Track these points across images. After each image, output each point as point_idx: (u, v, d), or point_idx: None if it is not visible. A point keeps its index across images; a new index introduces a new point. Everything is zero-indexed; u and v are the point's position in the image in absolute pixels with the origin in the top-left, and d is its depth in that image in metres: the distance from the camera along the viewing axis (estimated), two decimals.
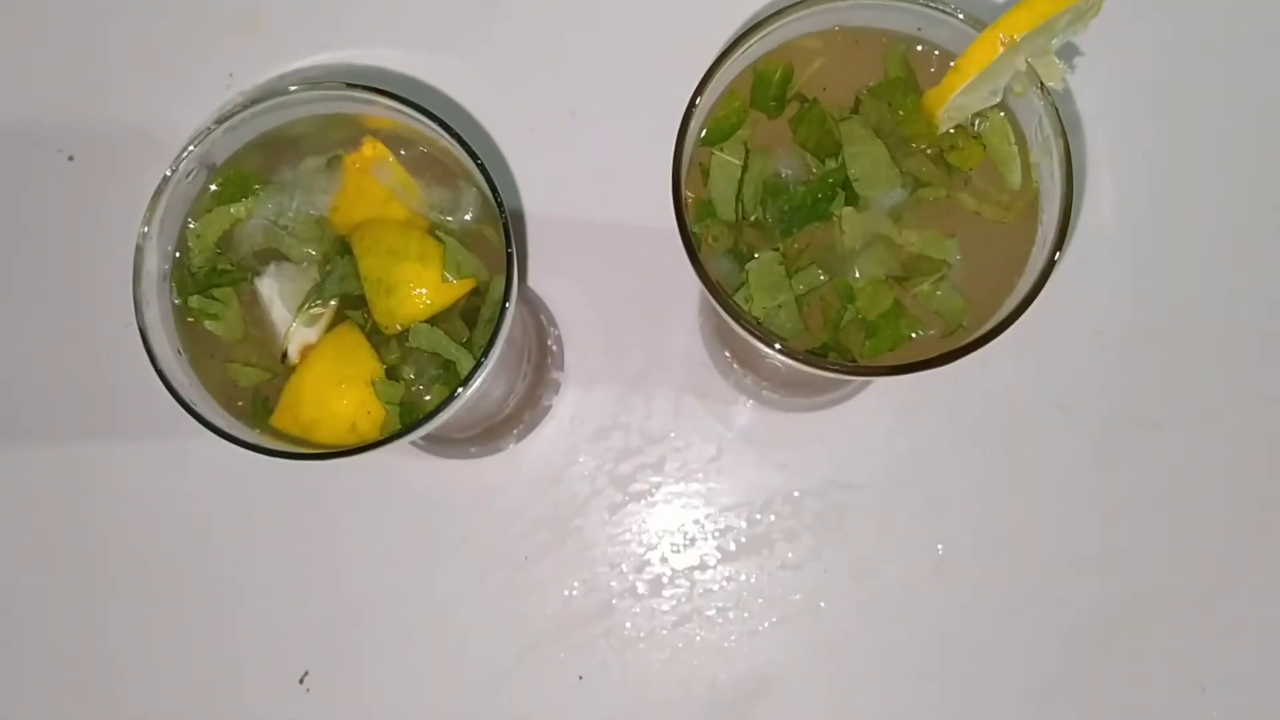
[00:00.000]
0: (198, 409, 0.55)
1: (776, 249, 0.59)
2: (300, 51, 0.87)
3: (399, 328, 0.60)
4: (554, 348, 0.84)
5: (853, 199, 0.58)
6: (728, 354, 0.84)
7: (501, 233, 0.57)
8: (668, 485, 0.84)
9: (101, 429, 0.83)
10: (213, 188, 0.61)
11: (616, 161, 0.85)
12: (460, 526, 0.83)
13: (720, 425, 0.85)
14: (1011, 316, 0.53)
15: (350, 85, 0.58)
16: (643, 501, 0.84)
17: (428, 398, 0.59)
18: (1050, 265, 0.54)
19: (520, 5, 0.88)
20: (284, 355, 0.60)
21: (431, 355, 0.59)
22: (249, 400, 0.59)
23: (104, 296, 0.82)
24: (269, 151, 0.62)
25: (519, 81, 0.86)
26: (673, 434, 0.84)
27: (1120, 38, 0.83)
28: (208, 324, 0.60)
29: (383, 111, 0.59)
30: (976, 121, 0.59)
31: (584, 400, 0.85)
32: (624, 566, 0.83)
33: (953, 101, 0.55)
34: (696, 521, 0.83)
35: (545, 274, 0.86)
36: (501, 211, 0.57)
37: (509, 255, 0.57)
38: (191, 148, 0.58)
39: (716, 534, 0.83)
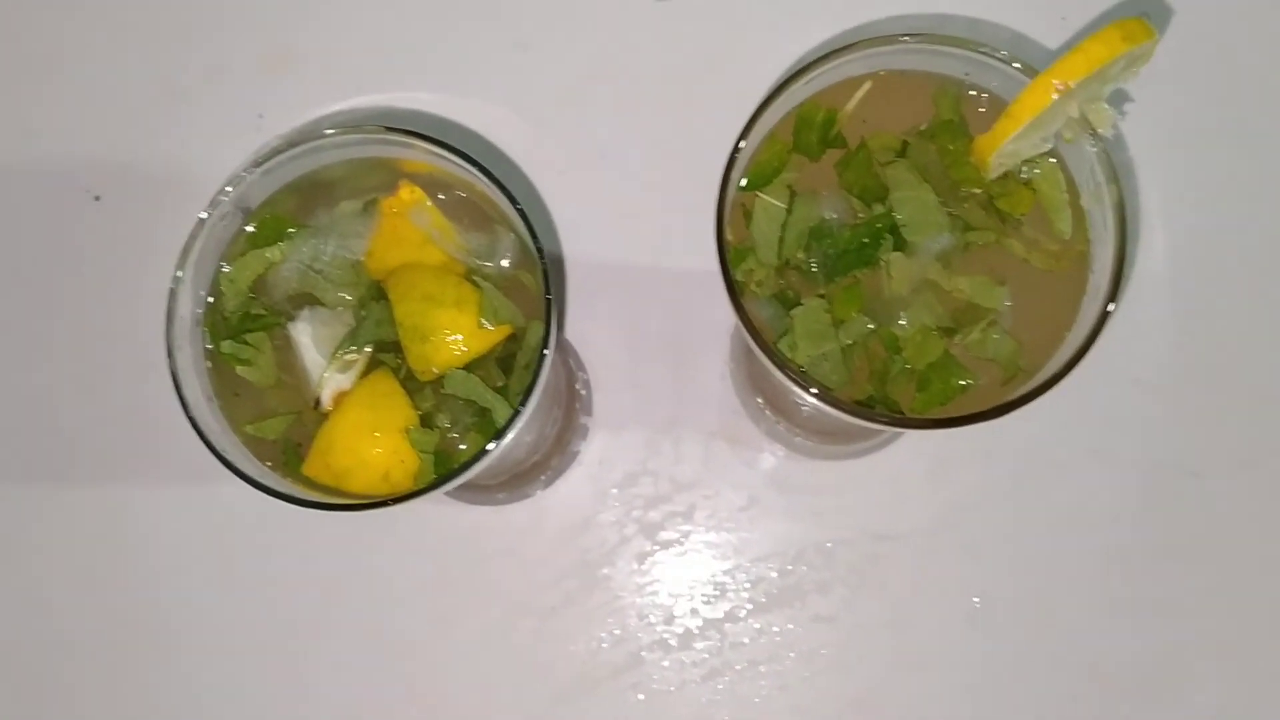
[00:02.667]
0: (229, 457, 0.53)
1: (821, 295, 0.57)
2: (332, 91, 0.86)
3: (434, 374, 0.59)
4: (582, 392, 0.83)
5: (900, 244, 0.57)
6: (760, 399, 0.82)
7: (540, 278, 0.56)
8: (697, 534, 0.82)
9: (131, 471, 0.82)
10: (248, 230, 0.60)
11: (646, 203, 0.84)
12: (487, 574, 0.82)
13: (751, 472, 0.83)
14: (1066, 368, 0.52)
15: (388, 129, 0.57)
16: (672, 550, 0.82)
17: (462, 446, 0.58)
18: (1104, 316, 0.52)
19: (552, 46, 0.88)
20: (317, 402, 0.58)
21: (467, 403, 0.58)
22: (280, 448, 0.58)
23: (132, 338, 0.81)
24: (304, 195, 0.61)
25: (549, 123, 0.86)
26: (703, 481, 0.83)
27: (1170, 83, 0.82)
28: (240, 370, 0.58)
29: (420, 155, 0.59)
30: (1025, 167, 0.58)
31: (612, 446, 0.83)
32: (653, 617, 0.81)
33: (1005, 147, 0.54)
34: (727, 572, 0.81)
35: (573, 317, 0.84)
36: (541, 257, 0.56)
37: (548, 302, 0.55)
38: (227, 190, 0.57)
39: (748, 585, 0.81)
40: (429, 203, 0.60)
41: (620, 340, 0.84)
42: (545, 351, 0.56)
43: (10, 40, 0.89)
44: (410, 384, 0.59)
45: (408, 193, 0.60)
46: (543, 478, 0.81)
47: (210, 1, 0.89)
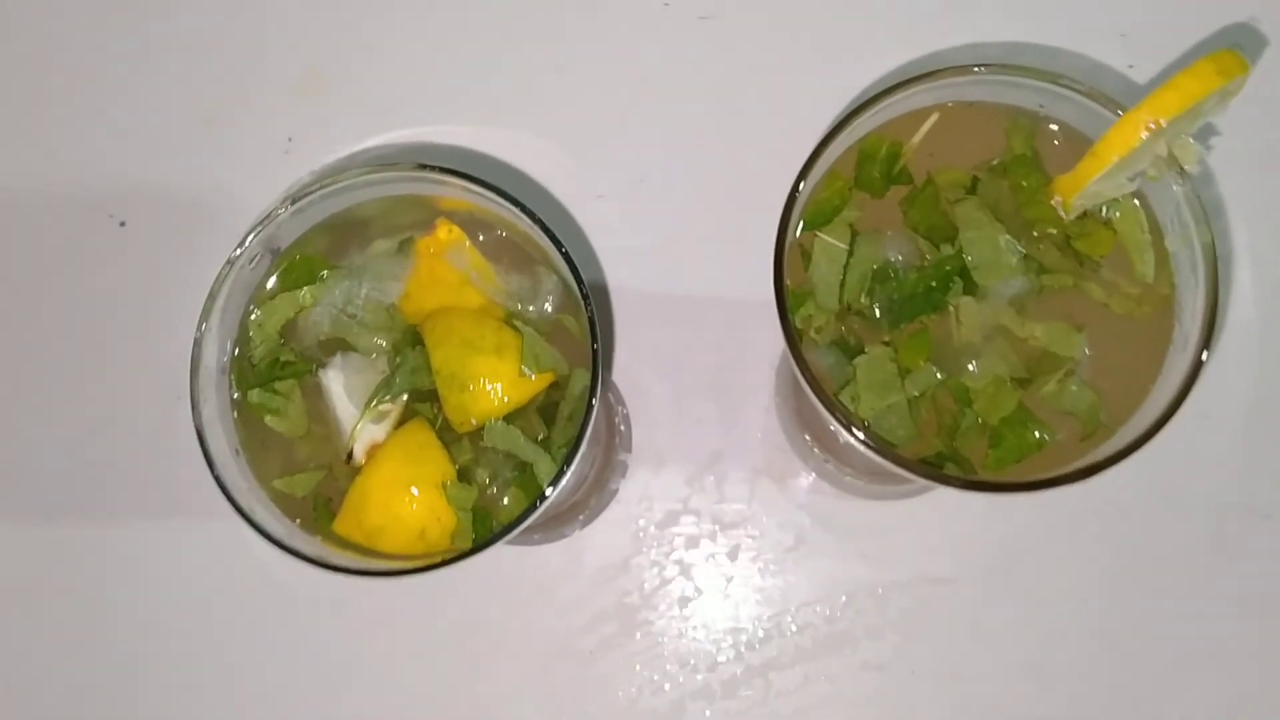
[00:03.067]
0: (255, 518, 0.50)
1: (885, 343, 0.54)
2: (362, 114, 0.83)
3: (472, 425, 0.55)
4: (621, 427, 0.79)
5: (970, 287, 0.54)
6: (807, 436, 0.79)
7: (585, 323, 0.53)
8: (741, 576, 0.79)
9: (150, 509, 0.80)
10: (277, 273, 0.57)
11: (688, 231, 0.81)
12: (522, 616, 0.78)
13: (798, 512, 0.79)
14: (1155, 425, 0.48)
15: (422, 166, 0.53)
16: (715, 593, 0.79)
17: (504, 501, 0.55)
18: (1197, 367, 0.48)
19: (593, 68, 0.85)
20: (349, 455, 0.55)
21: (507, 456, 0.55)
22: (310, 503, 0.55)
23: (156, 369, 0.79)
24: (336, 234, 0.58)
25: (591, 146, 0.83)
26: (747, 521, 0.79)
27: (1258, 112, 0.78)
28: (269, 419, 0.55)
29: (457, 193, 0.55)
30: (1105, 206, 0.54)
31: (652, 483, 0.80)
32: (695, 663, 0.77)
33: (1089, 188, 0.50)
34: (772, 616, 0.78)
35: (612, 349, 0.81)
36: (587, 305, 0.52)
37: (594, 352, 0.52)
38: (256, 231, 0.54)
39: (794, 630, 0.78)
40: (468, 243, 0.57)
41: (661, 373, 0.81)
42: (592, 401, 0.52)
43: (36, 61, 0.87)
44: (447, 435, 0.56)
45: (445, 232, 0.56)
46: (580, 518, 0.78)
47: (238, 24, 0.86)
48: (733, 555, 0.79)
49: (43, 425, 0.81)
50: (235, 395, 0.56)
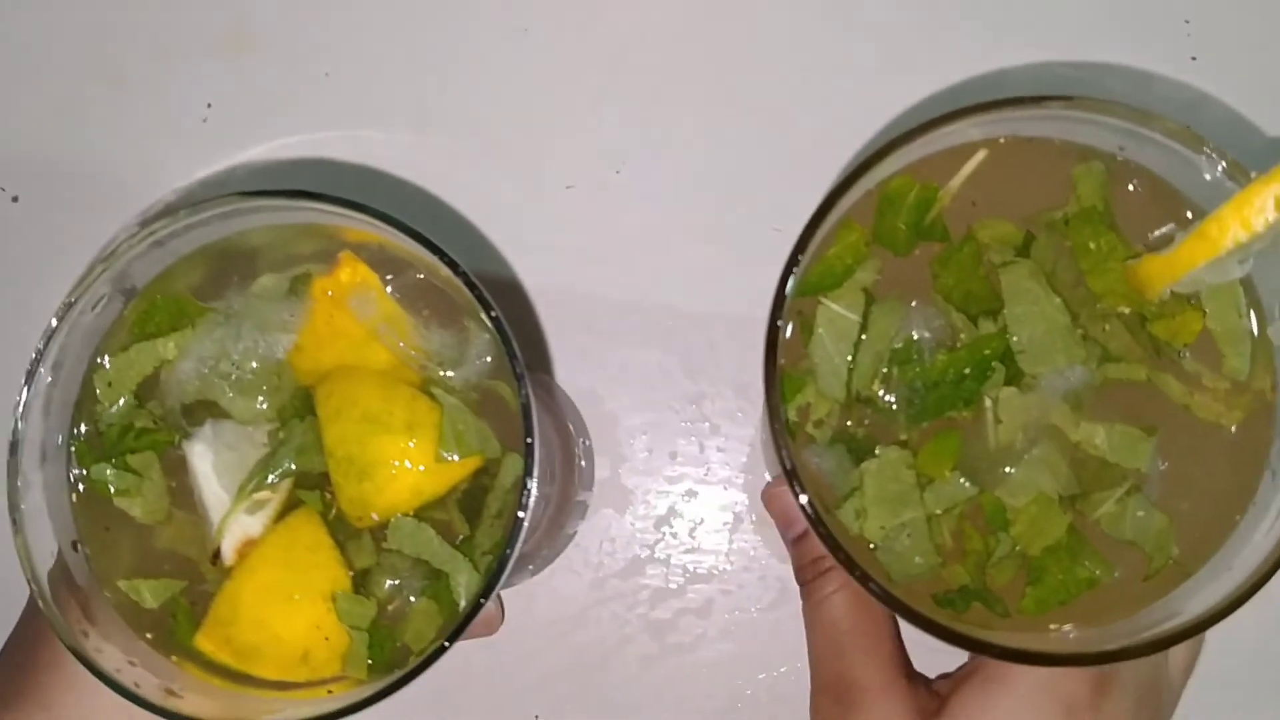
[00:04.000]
0: (93, 659, 0.39)
1: (902, 443, 0.42)
2: (293, 80, 0.71)
3: (374, 520, 0.44)
4: (582, 462, 0.69)
5: (1014, 376, 0.42)
6: None
7: (519, 405, 0.41)
8: (714, 636, 0.70)
9: None
10: (132, 315, 0.45)
11: (671, 236, 0.70)
12: (459, 674, 0.69)
13: (783, 564, 0.70)
14: (1257, 579, 0.37)
15: (305, 194, 0.41)
16: (684, 655, 0.69)
17: (411, 618, 0.44)
18: None
19: (559, 37, 0.72)
20: (216, 554, 0.44)
21: (417, 562, 0.44)
22: (168, 610, 0.44)
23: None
24: (212, 266, 0.45)
25: (555, 134, 0.71)
26: (723, 573, 0.70)
27: None
28: (119, 501, 0.44)
29: (364, 226, 0.43)
30: None
31: (616, 526, 0.71)
32: None
33: (1189, 276, 0.38)
34: (748, 682, 0.69)
35: (574, 368, 0.71)
36: (522, 384, 0.40)
37: (528, 446, 0.40)
38: (102, 267, 0.42)
39: (771, 701, 0.69)
40: (377, 285, 0.45)
41: (632, 400, 0.71)
42: (522, 505, 0.41)
43: None
44: (342, 532, 0.45)
45: (349, 271, 0.44)
46: (530, 567, 0.67)
47: None
48: (704, 612, 0.70)
49: None
50: (76, 472, 0.44)
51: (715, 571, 0.70)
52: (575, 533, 0.70)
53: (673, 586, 0.70)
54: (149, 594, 0.43)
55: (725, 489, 0.71)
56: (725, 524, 0.71)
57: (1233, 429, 0.42)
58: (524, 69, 0.72)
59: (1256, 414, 0.42)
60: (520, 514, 0.41)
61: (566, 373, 0.71)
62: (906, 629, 0.49)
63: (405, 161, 0.71)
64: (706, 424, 0.71)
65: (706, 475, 0.71)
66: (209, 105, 0.72)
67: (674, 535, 0.70)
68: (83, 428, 0.45)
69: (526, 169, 0.71)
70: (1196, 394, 0.42)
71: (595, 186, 0.71)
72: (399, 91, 0.72)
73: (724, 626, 0.70)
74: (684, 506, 0.71)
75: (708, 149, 0.71)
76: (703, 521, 0.71)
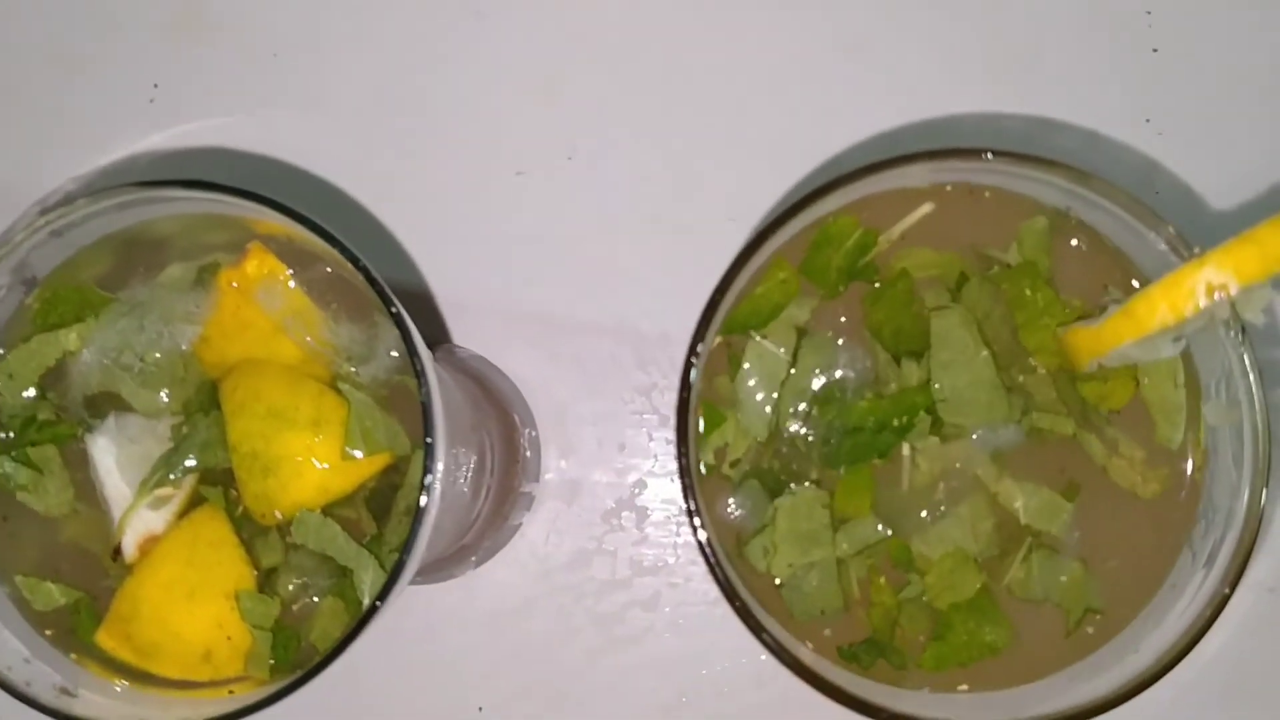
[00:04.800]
0: None
1: (815, 482, 0.41)
2: (242, 62, 0.70)
3: (279, 517, 0.43)
4: (528, 453, 0.68)
5: (937, 426, 0.41)
6: None
7: (422, 401, 0.40)
8: (661, 629, 0.69)
9: None
10: (35, 305, 0.44)
11: (621, 225, 0.69)
12: (399, 667, 0.68)
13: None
14: (1167, 661, 0.35)
15: (204, 185, 0.40)
16: (630, 648, 0.68)
17: (316, 617, 0.43)
18: (1224, 599, 0.35)
19: (515, 18, 0.71)
20: (117, 550, 0.43)
21: (323, 559, 0.43)
22: (68, 609, 0.43)
23: None
24: (117, 255, 0.45)
25: (507, 119, 0.70)
26: (670, 565, 0.69)
27: None
28: (21, 496, 0.43)
29: (265, 216, 0.42)
30: None
31: (563, 518, 0.70)
32: None
33: (1116, 352, 0.37)
34: (692, 678, 0.68)
35: (521, 358, 0.70)
36: (422, 381, 0.39)
37: (427, 446, 0.39)
38: (1, 256, 0.41)
39: (717, 695, 0.68)
40: (285, 278, 0.44)
41: (579, 389, 0.70)
42: (421, 509, 0.40)
43: None
44: (247, 529, 0.44)
45: (256, 263, 0.43)
46: (473, 558, 0.67)
47: None
48: (651, 604, 0.69)
49: None
50: None
51: (662, 564, 0.69)
52: (520, 524, 0.69)
53: (620, 579, 0.69)
54: (45, 598, 0.43)
55: (673, 481, 0.70)
56: (672, 517, 0.70)
57: (1150, 500, 0.41)
58: (479, 53, 0.71)
59: (1176, 490, 0.41)
60: (420, 510, 0.40)
61: (515, 362, 0.70)
62: None
63: (357, 146, 0.69)
64: (656, 415, 0.70)
65: (655, 467, 0.70)
66: (155, 87, 0.71)
67: (621, 528, 0.69)
68: None
69: (478, 154, 0.70)
70: (1114, 458, 0.41)
71: (546, 173, 0.70)
72: (353, 75, 0.70)
73: (671, 620, 0.69)
74: (631, 499, 0.70)
75: (663, 136, 0.69)
76: (651, 514, 0.70)
